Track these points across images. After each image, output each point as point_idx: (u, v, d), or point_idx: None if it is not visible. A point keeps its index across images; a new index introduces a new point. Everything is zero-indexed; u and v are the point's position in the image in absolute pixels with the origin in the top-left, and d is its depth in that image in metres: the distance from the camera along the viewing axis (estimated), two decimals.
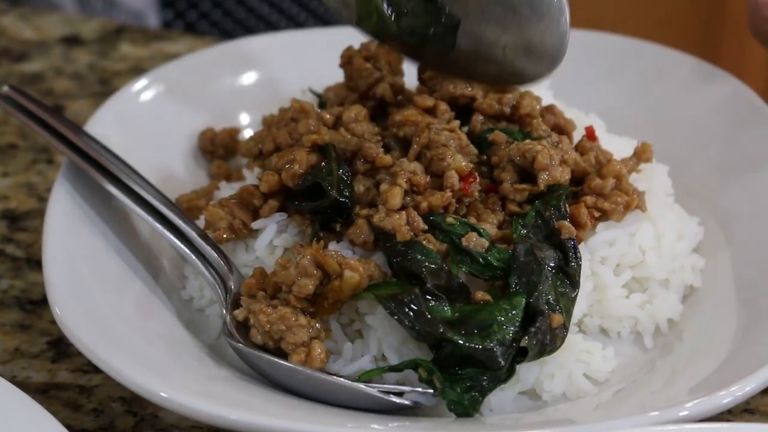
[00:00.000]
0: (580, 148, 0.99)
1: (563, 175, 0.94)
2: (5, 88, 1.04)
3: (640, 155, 1.01)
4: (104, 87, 1.25)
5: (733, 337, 0.91)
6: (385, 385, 0.87)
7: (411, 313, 0.87)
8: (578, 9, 1.44)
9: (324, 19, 1.45)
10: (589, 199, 0.95)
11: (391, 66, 1.03)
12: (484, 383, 0.87)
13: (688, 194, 1.04)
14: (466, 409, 0.86)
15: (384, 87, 1.01)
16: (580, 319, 0.93)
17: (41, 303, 0.97)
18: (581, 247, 0.93)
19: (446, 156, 0.93)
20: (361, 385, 0.87)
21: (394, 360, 0.89)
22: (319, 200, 0.93)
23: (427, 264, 0.89)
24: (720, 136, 1.08)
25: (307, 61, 1.09)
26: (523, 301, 0.88)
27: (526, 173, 0.95)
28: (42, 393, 0.91)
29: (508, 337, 0.86)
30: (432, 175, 0.94)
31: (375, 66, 1.03)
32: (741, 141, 1.06)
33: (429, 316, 0.87)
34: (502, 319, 0.87)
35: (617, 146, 1.02)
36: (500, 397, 0.88)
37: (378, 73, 1.03)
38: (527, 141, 0.95)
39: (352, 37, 1.07)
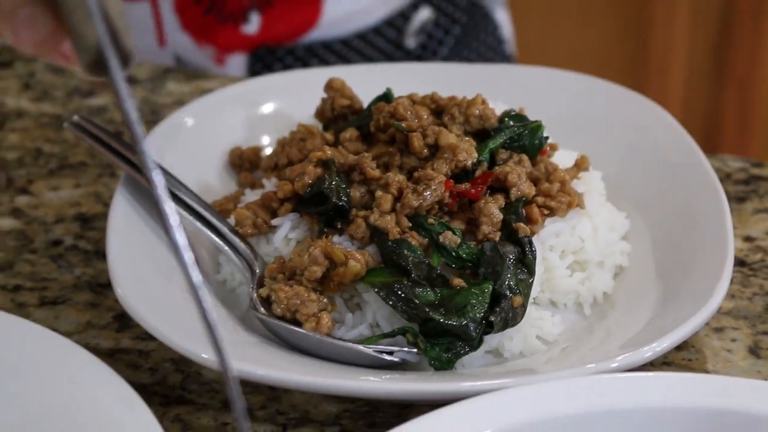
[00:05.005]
0: (533, 161, 1.00)
1: (530, 189, 0.96)
2: (76, 117, 1.05)
3: (580, 165, 1.03)
4: (154, 116, 1.25)
5: (654, 305, 0.93)
6: (379, 346, 0.89)
7: (401, 299, 0.89)
8: (532, 54, 1.46)
9: None
10: (540, 200, 0.96)
11: None
12: (458, 349, 0.88)
13: (617, 194, 1.05)
14: (443, 365, 0.88)
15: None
16: (535, 296, 0.94)
17: (107, 286, 0.98)
18: (534, 238, 0.94)
19: (435, 178, 0.93)
20: (360, 346, 0.88)
21: (385, 327, 0.90)
22: (323, 205, 0.95)
23: (412, 258, 0.90)
24: (642, 148, 1.08)
25: (314, 93, 1.09)
26: (490, 287, 0.89)
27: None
28: (109, 356, 0.92)
29: (478, 315, 0.88)
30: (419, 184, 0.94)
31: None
32: (657, 151, 1.07)
33: (416, 302, 0.88)
34: (474, 301, 0.88)
35: (561, 158, 1.04)
36: (470, 356, 0.89)
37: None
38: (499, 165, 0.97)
39: (355, 74, 1.09)
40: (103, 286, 1.01)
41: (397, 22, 1.46)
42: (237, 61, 1.41)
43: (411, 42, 1.46)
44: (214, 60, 1.41)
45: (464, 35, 1.50)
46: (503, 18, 1.59)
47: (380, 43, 1.45)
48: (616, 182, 1.06)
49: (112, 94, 0.62)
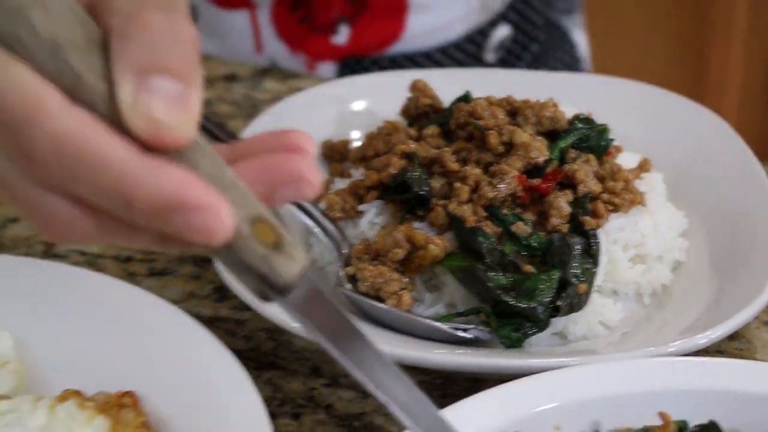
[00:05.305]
0: (599, 161, 1.01)
1: (596, 186, 0.97)
2: None
3: (642, 166, 1.04)
4: (253, 110, 1.27)
5: (708, 297, 0.94)
6: (454, 324, 0.91)
7: (476, 282, 0.91)
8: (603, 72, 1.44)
9: None
10: (605, 196, 0.97)
11: None
12: (527, 329, 0.90)
13: (676, 195, 1.05)
14: (513, 343, 0.90)
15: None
16: (598, 284, 0.95)
17: (208, 261, 1.01)
18: (599, 232, 0.95)
19: (509, 173, 0.95)
20: (437, 323, 0.90)
21: (460, 307, 0.92)
22: (406, 193, 0.97)
23: (486, 245, 0.92)
24: (700, 153, 1.09)
25: (398, 94, 1.11)
26: (558, 274, 0.91)
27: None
28: (209, 324, 0.93)
29: (546, 299, 0.89)
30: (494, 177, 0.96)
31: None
32: (715, 156, 1.08)
33: (489, 285, 0.90)
34: (543, 287, 0.90)
35: (626, 160, 1.05)
36: (538, 336, 0.91)
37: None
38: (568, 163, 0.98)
39: (438, 78, 1.11)
40: (204, 261, 1.04)
41: (477, 38, 1.47)
42: (327, 69, 1.44)
43: (490, 57, 1.48)
44: (306, 67, 1.44)
45: (542, 53, 1.50)
46: (581, 39, 1.59)
47: (460, 56, 1.47)
48: (676, 184, 1.06)
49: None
